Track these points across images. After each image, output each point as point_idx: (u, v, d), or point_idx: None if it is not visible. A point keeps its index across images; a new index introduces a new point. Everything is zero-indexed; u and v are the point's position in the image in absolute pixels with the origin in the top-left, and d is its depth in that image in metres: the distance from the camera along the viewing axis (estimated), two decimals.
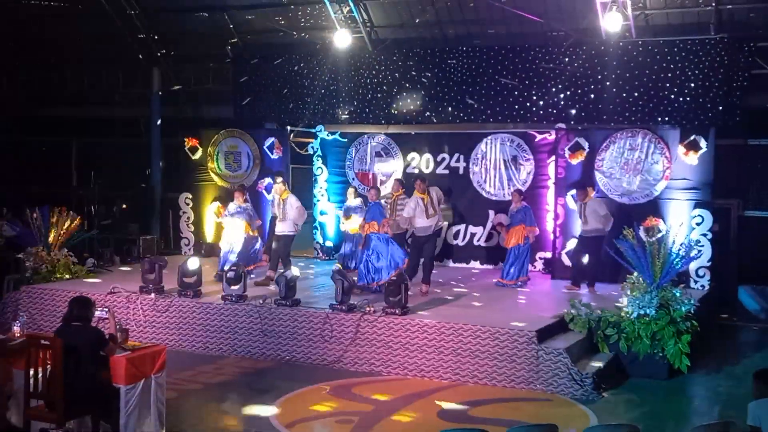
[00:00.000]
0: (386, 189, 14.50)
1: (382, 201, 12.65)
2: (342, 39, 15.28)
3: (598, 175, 13.28)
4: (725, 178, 13.40)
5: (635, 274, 10.17)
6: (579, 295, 11.71)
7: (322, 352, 10.28)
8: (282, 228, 12.73)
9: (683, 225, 12.27)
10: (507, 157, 14.66)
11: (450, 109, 14.97)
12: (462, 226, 15.05)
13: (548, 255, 14.10)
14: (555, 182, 13.91)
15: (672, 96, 13.36)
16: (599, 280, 12.54)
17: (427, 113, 15.16)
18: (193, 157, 16.39)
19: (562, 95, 14.11)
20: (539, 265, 14.31)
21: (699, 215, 12.70)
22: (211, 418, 8.40)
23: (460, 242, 15.09)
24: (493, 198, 14.79)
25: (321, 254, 16.13)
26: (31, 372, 6.74)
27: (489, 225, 14.79)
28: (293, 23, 16.57)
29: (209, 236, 16.15)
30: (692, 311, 9.97)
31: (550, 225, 14.02)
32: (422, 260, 12.13)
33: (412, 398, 9.02)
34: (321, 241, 16.27)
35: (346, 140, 16.05)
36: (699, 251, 11.58)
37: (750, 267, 14.00)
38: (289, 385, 9.35)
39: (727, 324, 13.08)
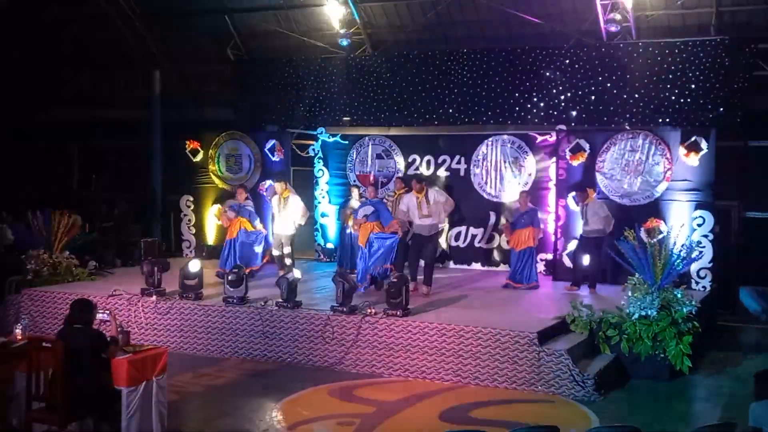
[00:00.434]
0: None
1: (385, 200, 12.63)
2: (343, 41, 15.31)
3: (598, 177, 13.28)
4: (726, 179, 13.39)
5: (636, 275, 10.17)
6: (580, 297, 11.71)
7: (323, 353, 10.27)
8: (282, 227, 12.74)
9: (684, 226, 12.25)
10: (508, 158, 14.66)
11: (451, 110, 14.98)
12: (463, 228, 15.03)
13: (549, 257, 14.10)
14: (556, 184, 13.90)
15: (673, 97, 13.37)
16: (600, 282, 12.55)
17: (428, 115, 15.17)
18: (194, 160, 16.39)
19: (562, 97, 14.12)
20: (540, 266, 14.29)
21: (700, 216, 12.70)
22: (213, 420, 8.40)
23: (461, 244, 15.07)
24: (494, 200, 14.78)
25: (322, 256, 16.15)
26: (33, 374, 6.76)
27: (491, 227, 14.79)
28: (294, 25, 16.60)
29: (210, 239, 16.17)
30: (693, 312, 9.96)
31: (551, 226, 14.01)
32: (422, 262, 12.13)
33: (413, 400, 9.02)
34: (322, 243, 16.28)
35: (347, 142, 16.05)
36: (700, 252, 11.59)
37: (751, 268, 13.99)
38: (291, 387, 9.34)
39: (729, 325, 13.07)
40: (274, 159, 15.92)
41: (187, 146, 16.36)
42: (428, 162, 15.34)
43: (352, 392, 9.28)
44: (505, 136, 14.70)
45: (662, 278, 9.97)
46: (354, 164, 15.97)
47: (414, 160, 15.42)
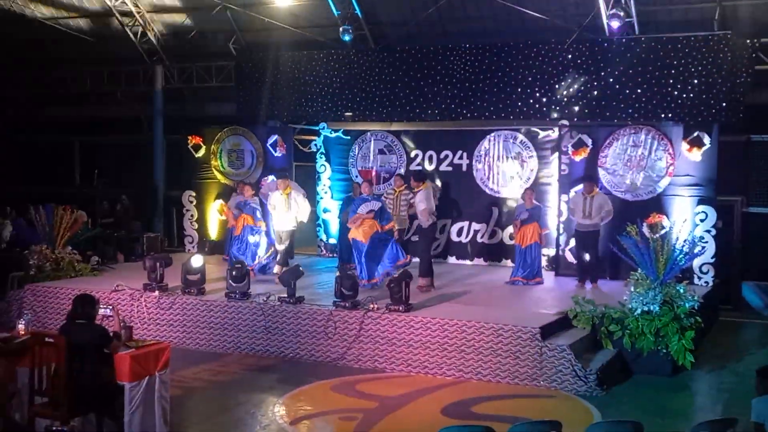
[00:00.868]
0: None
1: (384, 197, 12.61)
2: (345, 36, 15.29)
3: (601, 172, 13.26)
4: (729, 174, 13.38)
5: (639, 270, 10.17)
6: (583, 292, 11.71)
7: (325, 349, 10.28)
8: (283, 223, 12.74)
9: (687, 221, 12.24)
10: (510, 154, 14.64)
11: (453, 106, 14.95)
12: (465, 223, 15.01)
13: (551, 252, 14.08)
14: (558, 179, 13.89)
15: (675, 92, 13.34)
16: (602, 277, 12.55)
17: (430, 110, 15.15)
18: (197, 155, 16.39)
19: (565, 92, 14.09)
20: (543, 261, 14.27)
21: (702, 211, 12.69)
22: (215, 415, 8.41)
23: (463, 239, 15.07)
24: (497, 195, 14.77)
25: (324, 251, 16.15)
26: (36, 370, 6.77)
27: (493, 223, 14.78)
28: (296, 21, 16.57)
29: (213, 234, 16.17)
30: (696, 307, 9.96)
31: (553, 222, 14.00)
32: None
33: (415, 395, 9.03)
34: (324, 239, 16.28)
35: (349, 138, 16.04)
36: (702, 247, 11.57)
37: (754, 263, 13.99)
38: (293, 382, 9.36)
39: (731, 320, 13.06)
40: (276, 154, 15.91)
41: (189, 142, 16.36)
42: (430, 157, 15.33)
43: (354, 387, 9.29)
44: (508, 132, 14.69)
45: (665, 274, 9.96)
46: (356, 159, 15.96)
47: (416, 156, 15.42)
